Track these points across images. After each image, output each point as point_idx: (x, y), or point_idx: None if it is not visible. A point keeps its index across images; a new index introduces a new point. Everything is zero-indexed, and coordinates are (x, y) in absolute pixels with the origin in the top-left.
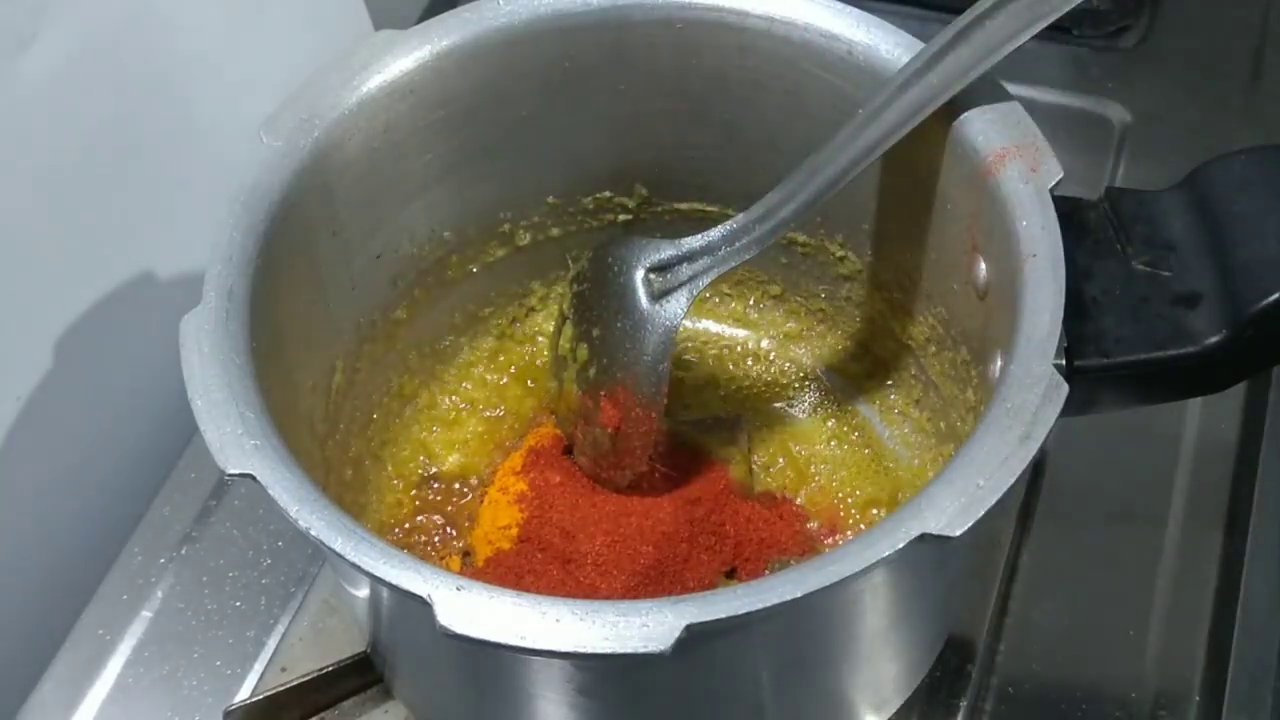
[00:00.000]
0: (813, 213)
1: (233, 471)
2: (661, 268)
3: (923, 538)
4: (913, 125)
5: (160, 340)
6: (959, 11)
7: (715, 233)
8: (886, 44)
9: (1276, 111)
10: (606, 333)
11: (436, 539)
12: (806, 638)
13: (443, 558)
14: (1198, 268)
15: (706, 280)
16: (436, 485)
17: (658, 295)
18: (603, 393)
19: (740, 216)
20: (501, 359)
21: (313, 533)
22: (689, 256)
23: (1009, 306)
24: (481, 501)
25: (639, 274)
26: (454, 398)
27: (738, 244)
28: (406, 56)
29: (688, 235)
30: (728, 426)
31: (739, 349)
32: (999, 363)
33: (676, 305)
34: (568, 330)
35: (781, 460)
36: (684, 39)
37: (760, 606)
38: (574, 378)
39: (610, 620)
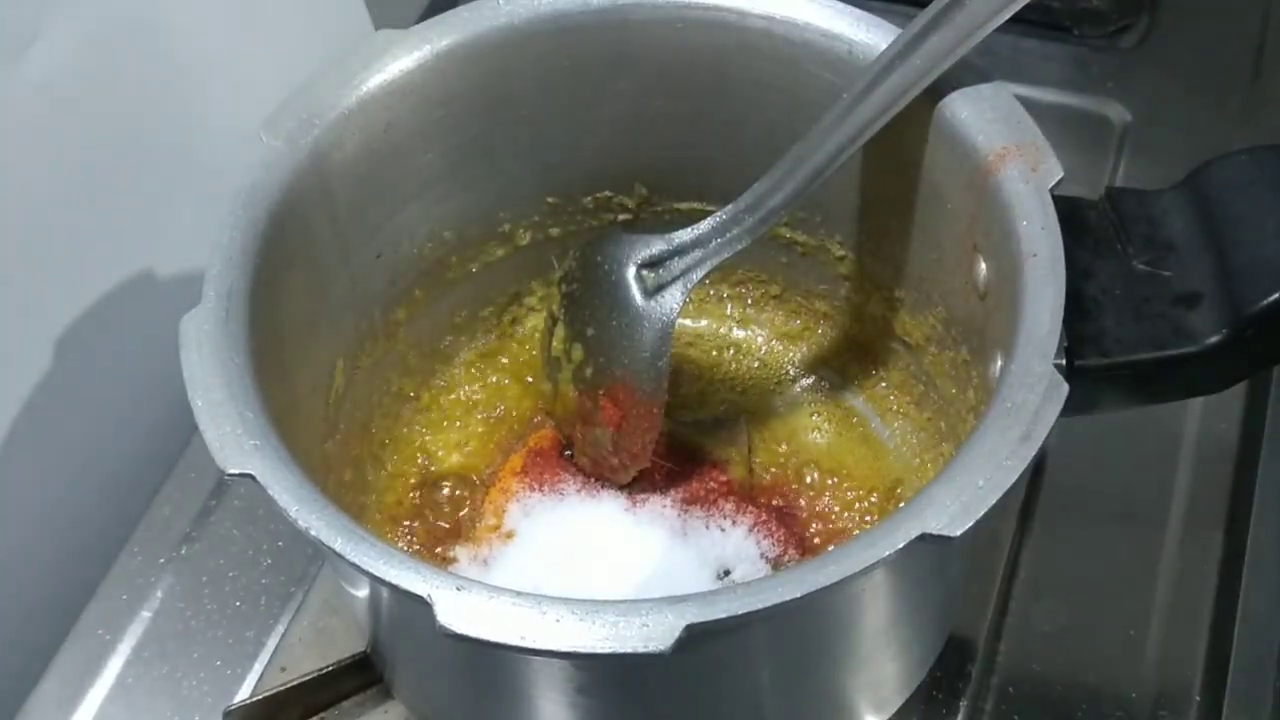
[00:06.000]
0: (801, 200)
1: (232, 471)
2: (653, 263)
3: (923, 537)
4: (899, 108)
5: (160, 340)
6: None
7: (705, 225)
8: (886, 43)
9: (1276, 112)
10: (601, 332)
11: (436, 539)
12: (806, 638)
13: (443, 558)
14: (1198, 267)
15: (700, 273)
16: (437, 485)
17: (651, 291)
18: (601, 392)
19: (729, 207)
20: (502, 359)
21: (312, 533)
22: (680, 250)
23: (1009, 306)
24: (482, 502)
25: (630, 271)
26: (454, 398)
27: (728, 235)
28: (406, 56)
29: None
30: (728, 426)
31: (739, 348)
32: (999, 362)
33: (672, 300)
34: (560, 331)
35: (781, 460)
36: (684, 39)
37: (760, 606)
38: (570, 379)
39: (610, 620)
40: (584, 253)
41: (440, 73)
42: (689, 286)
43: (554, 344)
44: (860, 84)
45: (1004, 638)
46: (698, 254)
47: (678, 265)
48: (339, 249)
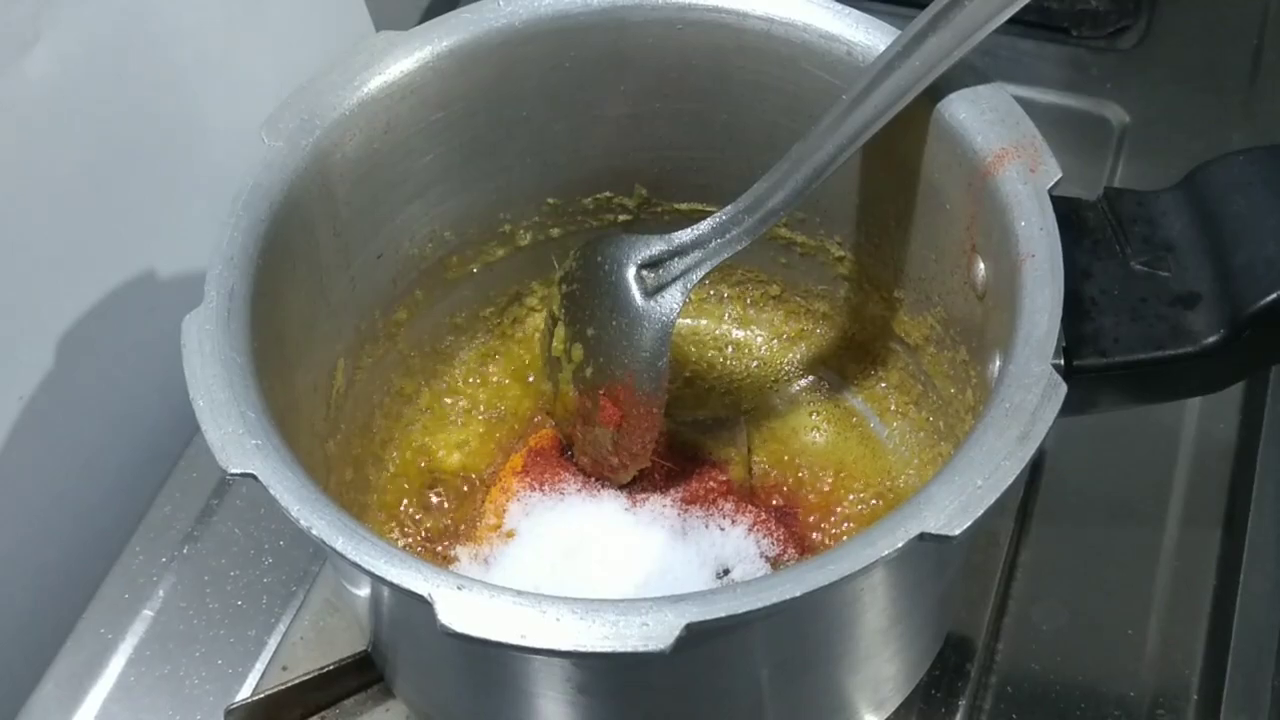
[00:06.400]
0: (801, 201)
1: (234, 471)
2: (653, 264)
3: (922, 537)
4: (898, 109)
5: (162, 340)
6: None
7: (705, 225)
8: (885, 44)
9: (1275, 112)
10: (601, 332)
11: (437, 539)
12: (806, 637)
13: (443, 557)
14: (1196, 268)
15: (700, 274)
16: (437, 485)
17: (651, 291)
18: (601, 392)
19: (729, 208)
20: (502, 359)
21: (314, 532)
22: (680, 251)
23: (1008, 306)
24: (483, 501)
25: (631, 271)
26: (455, 398)
27: (728, 235)
28: (407, 57)
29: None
30: (727, 427)
31: (738, 349)
32: (998, 362)
33: (671, 300)
34: (560, 331)
35: (781, 460)
36: (684, 39)
37: (760, 606)
38: (570, 378)
39: (610, 619)
40: (584, 253)
41: (441, 73)
42: (689, 287)
43: (554, 344)
44: (859, 85)
45: (1003, 637)
46: (697, 254)
47: (678, 266)
48: (339, 249)
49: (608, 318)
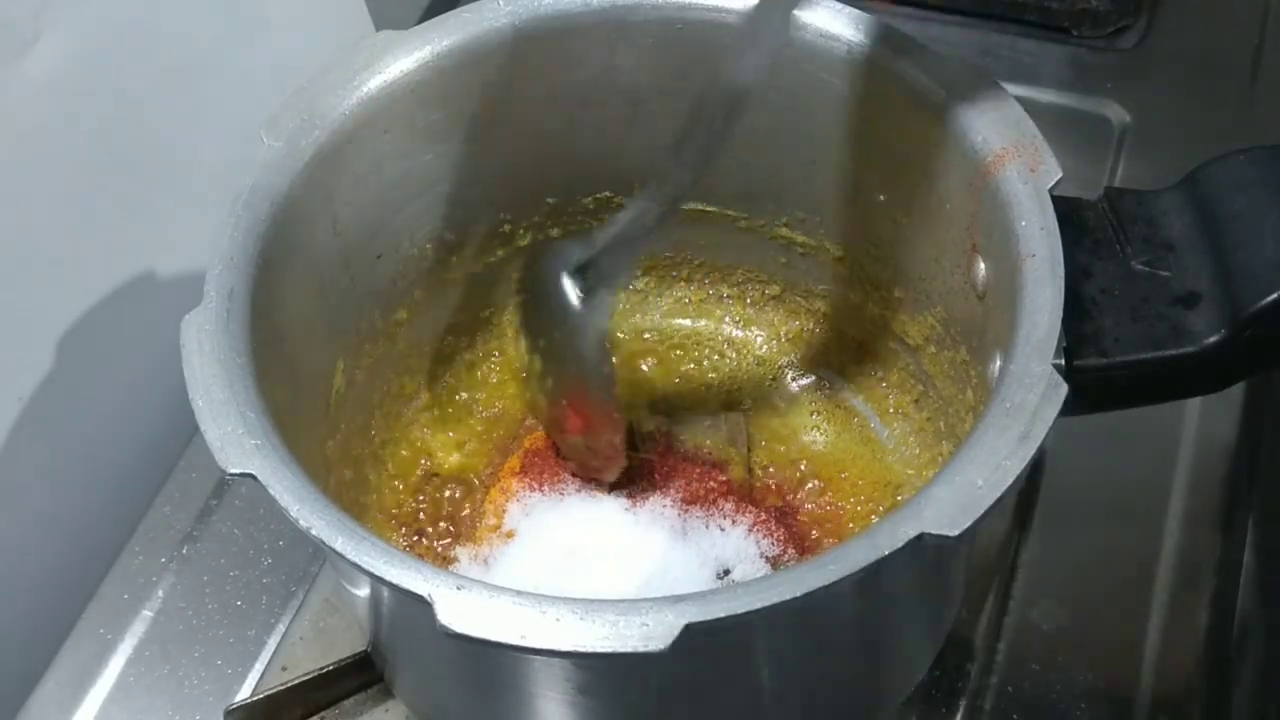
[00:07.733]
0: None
1: (234, 471)
2: (581, 268)
3: (922, 537)
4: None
5: (161, 340)
6: (958, 12)
7: (620, 217)
8: (883, 44)
9: (1275, 111)
10: (549, 343)
11: (437, 539)
12: (806, 637)
13: (443, 557)
14: (1197, 268)
15: (623, 273)
16: (437, 485)
17: (585, 296)
18: (564, 401)
19: (637, 197)
20: (501, 360)
21: (313, 532)
22: (604, 251)
23: (1008, 306)
24: (482, 502)
25: (564, 278)
26: (454, 398)
27: (642, 223)
28: (407, 57)
29: (688, 234)
30: (728, 426)
31: (738, 349)
32: (998, 362)
33: (600, 304)
34: (521, 343)
35: (781, 460)
36: (684, 39)
37: (760, 606)
38: (537, 389)
39: (610, 620)
40: (528, 262)
41: (440, 73)
42: (614, 287)
43: (521, 354)
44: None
45: (1003, 637)
46: (620, 252)
47: (604, 266)
48: (339, 249)
49: (553, 328)
